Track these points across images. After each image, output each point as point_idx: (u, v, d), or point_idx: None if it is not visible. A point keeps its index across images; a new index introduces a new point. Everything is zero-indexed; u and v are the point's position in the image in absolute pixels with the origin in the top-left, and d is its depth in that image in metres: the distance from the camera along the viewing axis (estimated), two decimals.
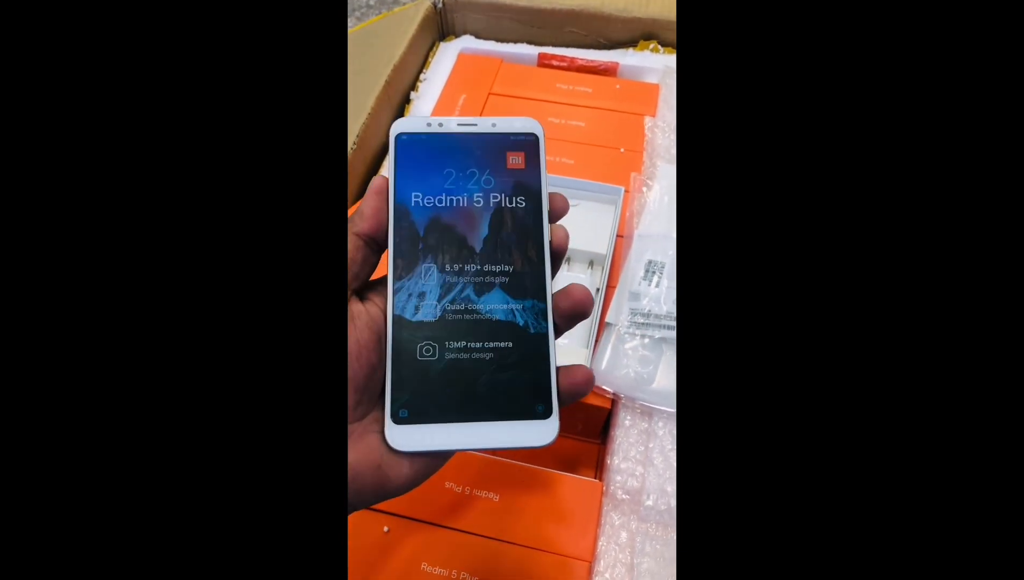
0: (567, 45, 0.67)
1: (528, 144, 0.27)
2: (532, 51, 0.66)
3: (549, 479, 0.42)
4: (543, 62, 0.66)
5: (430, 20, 0.67)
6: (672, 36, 0.64)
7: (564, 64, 0.65)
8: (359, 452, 0.23)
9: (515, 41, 0.68)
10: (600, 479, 0.43)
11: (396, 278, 0.26)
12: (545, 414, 0.25)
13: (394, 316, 0.25)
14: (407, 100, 0.64)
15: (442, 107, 0.61)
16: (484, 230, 0.26)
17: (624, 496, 0.41)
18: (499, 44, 0.67)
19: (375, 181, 0.26)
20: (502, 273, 0.26)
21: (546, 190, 0.27)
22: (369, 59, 0.61)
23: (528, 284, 0.26)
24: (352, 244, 0.25)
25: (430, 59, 0.67)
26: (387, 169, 0.26)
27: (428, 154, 0.27)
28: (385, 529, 0.40)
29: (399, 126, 0.27)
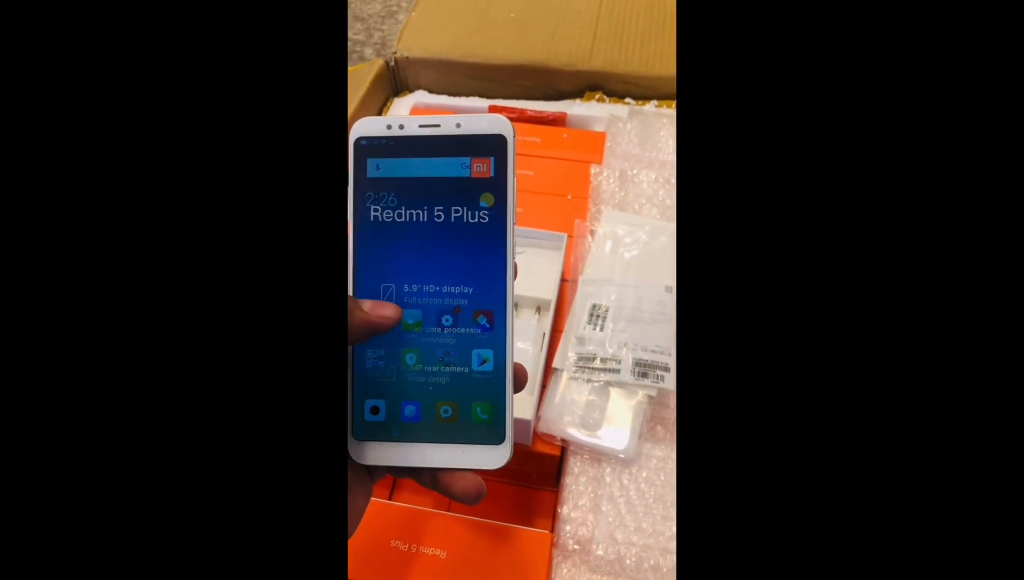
0: (517, 97, 0.69)
1: (495, 147, 0.25)
2: (483, 103, 0.68)
3: (497, 532, 0.41)
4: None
5: (383, 77, 0.68)
6: (615, 86, 0.66)
7: (515, 115, 0.66)
8: None
9: (467, 95, 0.69)
10: (553, 529, 0.42)
11: (357, 296, 0.25)
12: (498, 440, 0.25)
13: None
14: None
15: None
16: (444, 248, 0.25)
17: (575, 546, 0.41)
18: (452, 98, 0.69)
19: (390, 314, 0.24)
20: (461, 294, 0.25)
21: (513, 201, 0.25)
22: None
23: (487, 307, 0.25)
24: None
25: (384, 114, 0.68)
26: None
27: (388, 161, 0.26)
28: None
29: (359, 129, 0.26)
